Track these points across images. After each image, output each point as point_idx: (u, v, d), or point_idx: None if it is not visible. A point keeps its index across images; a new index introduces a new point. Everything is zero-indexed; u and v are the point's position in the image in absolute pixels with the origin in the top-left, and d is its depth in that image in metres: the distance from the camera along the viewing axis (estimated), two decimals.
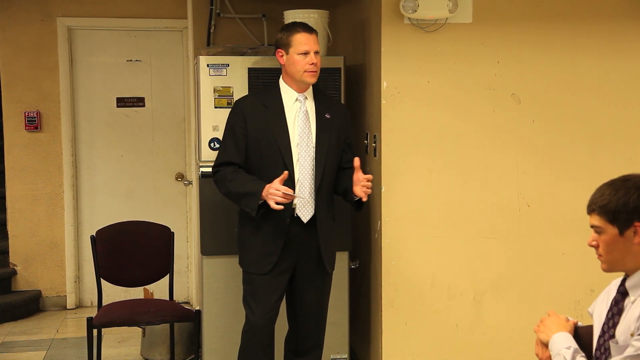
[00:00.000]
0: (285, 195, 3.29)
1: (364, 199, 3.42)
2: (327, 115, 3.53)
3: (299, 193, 3.43)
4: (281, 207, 3.29)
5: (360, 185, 3.37)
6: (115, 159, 6.01)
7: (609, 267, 2.22)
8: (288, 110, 3.50)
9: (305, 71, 3.44)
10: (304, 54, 3.43)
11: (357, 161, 3.38)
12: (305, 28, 3.47)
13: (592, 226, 2.22)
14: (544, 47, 3.93)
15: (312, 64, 3.42)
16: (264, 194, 3.34)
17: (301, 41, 3.43)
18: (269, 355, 3.59)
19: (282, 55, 3.50)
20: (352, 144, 3.67)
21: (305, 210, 3.46)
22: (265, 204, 3.37)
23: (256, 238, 3.51)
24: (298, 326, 3.66)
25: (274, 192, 3.28)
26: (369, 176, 3.39)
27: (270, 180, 3.38)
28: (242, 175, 3.45)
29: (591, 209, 2.21)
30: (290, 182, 3.42)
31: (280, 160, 3.43)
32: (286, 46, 3.47)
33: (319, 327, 3.67)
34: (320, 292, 3.61)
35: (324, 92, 3.73)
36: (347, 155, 3.61)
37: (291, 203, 3.41)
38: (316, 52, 3.45)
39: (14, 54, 5.81)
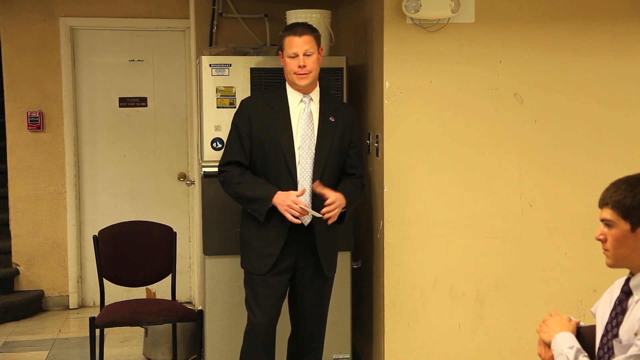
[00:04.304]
0: (301, 210, 3.34)
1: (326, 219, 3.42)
2: (331, 118, 3.52)
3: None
4: (298, 220, 3.36)
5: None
6: (117, 159, 6.01)
7: (615, 263, 2.22)
8: (293, 112, 3.50)
9: (295, 73, 3.44)
10: (292, 57, 3.43)
11: (315, 184, 3.39)
12: (295, 30, 3.45)
13: (602, 220, 2.21)
14: (547, 48, 3.93)
15: (300, 66, 3.41)
16: (275, 200, 3.36)
17: (290, 44, 3.44)
18: (270, 356, 3.59)
19: (282, 58, 3.51)
20: (359, 149, 3.65)
21: None
22: (272, 209, 3.39)
23: (257, 239, 3.51)
24: (298, 327, 3.67)
25: (292, 206, 3.33)
26: (329, 205, 3.36)
27: (275, 182, 3.39)
28: (250, 178, 3.45)
29: (604, 202, 2.20)
30: (292, 184, 3.42)
31: (283, 162, 3.43)
32: (281, 48, 3.50)
33: (319, 329, 3.67)
34: (320, 294, 3.61)
35: (332, 94, 3.73)
36: (352, 161, 3.59)
37: None
38: (307, 54, 3.42)
39: (16, 54, 5.82)
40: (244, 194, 3.44)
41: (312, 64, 3.43)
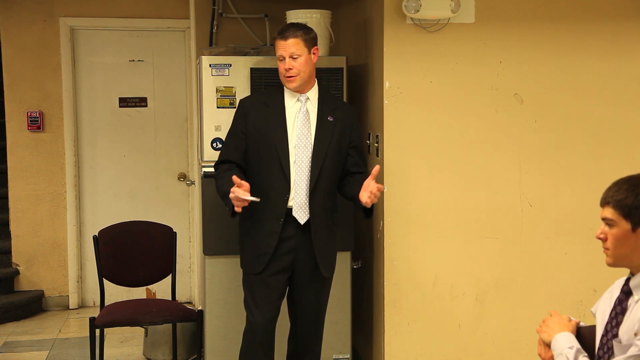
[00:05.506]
0: (238, 198, 3.27)
1: (367, 205, 3.35)
2: (329, 118, 3.51)
3: (295, 192, 3.42)
4: (239, 209, 3.30)
5: (368, 191, 3.31)
6: (117, 159, 6.01)
7: (615, 262, 2.22)
8: (289, 111, 3.50)
9: (283, 76, 3.45)
10: (280, 60, 3.44)
11: (375, 169, 3.34)
12: (282, 34, 3.45)
13: (603, 219, 2.21)
14: (547, 48, 3.93)
15: (287, 69, 3.42)
16: None
17: (277, 47, 3.45)
18: (269, 355, 3.59)
19: None
20: (360, 148, 3.64)
21: (301, 212, 3.45)
22: (264, 208, 3.40)
23: (250, 238, 3.52)
24: (297, 326, 3.67)
25: (232, 197, 3.29)
26: (380, 186, 3.32)
27: (267, 180, 3.40)
28: (229, 174, 3.42)
29: (606, 201, 2.21)
30: (285, 183, 3.42)
31: (277, 161, 3.43)
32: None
33: (317, 328, 3.67)
34: (317, 294, 3.60)
35: (332, 94, 3.72)
36: (353, 159, 3.58)
37: (286, 203, 3.42)
38: (293, 57, 3.41)
39: (16, 54, 5.82)
40: (222, 189, 3.44)
41: (299, 66, 3.42)
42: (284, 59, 3.42)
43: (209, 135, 3.99)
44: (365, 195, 3.31)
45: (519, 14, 3.90)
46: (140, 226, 4.47)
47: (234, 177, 3.28)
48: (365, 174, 3.56)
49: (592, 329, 2.34)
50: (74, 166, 5.93)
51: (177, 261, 4.41)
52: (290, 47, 3.41)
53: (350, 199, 3.54)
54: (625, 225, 2.16)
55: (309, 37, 3.46)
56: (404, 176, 3.89)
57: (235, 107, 3.76)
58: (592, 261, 3.90)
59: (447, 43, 3.85)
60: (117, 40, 5.95)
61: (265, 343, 3.56)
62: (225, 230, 3.95)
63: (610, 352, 2.18)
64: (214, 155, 3.91)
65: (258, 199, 3.31)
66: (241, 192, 3.26)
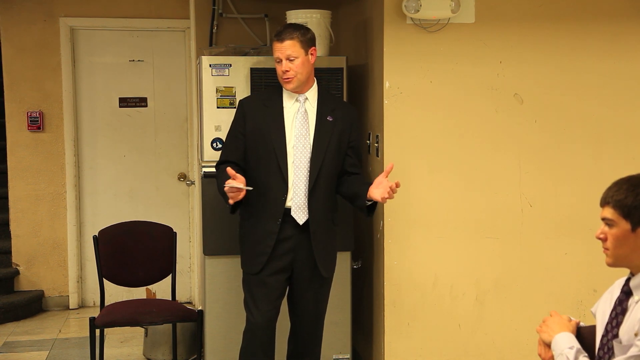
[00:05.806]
0: (232, 189, 3.27)
1: (383, 201, 3.33)
2: (329, 118, 3.51)
3: (294, 192, 3.42)
4: (232, 201, 3.30)
5: (387, 186, 3.27)
6: (117, 159, 6.01)
7: (614, 262, 2.22)
8: (287, 111, 3.50)
9: (281, 77, 3.45)
10: (278, 62, 3.45)
11: (389, 166, 3.34)
12: (279, 36, 3.45)
13: (603, 219, 2.22)
14: (547, 48, 3.93)
15: (284, 71, 3.42)
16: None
17: (274, 49, 3.46)
18: (269, 356, 3.59)
19: None
20: (357, 148, 3.64)
21: (300, 212, 3.45)
22: (262, 207, 3.42)
23: (249, 238, 3.53)
24: (296, 326, 3.67)
25: (226, 190, 3.29)
26: (397, 182, 3.29)
27: (266, 180, 3.41)
28: (227, 173, 3.44)
29: (606, 201, 2.21)
30: (282, 183, 3.43)
31: (274, 161, 3.43)
32: None
33: (316, 329, 3.67)
34: (317, 294, 3.60)
35: (332, 94, 3.72)
36: (351, 159, 3.58)
37: (284, 203, 3.42)
38: (290, 59, 3.40)
39: (16, 54, 5.82)
40: (220, 186, 3.44)
41: (296, 68, 3.42)
42: (281, 61, 3.42)
43: (209, 135, 3.99)
44: (380, 191, 3.29)
45: (519, 14, 3.90)
46: (140, 226, 4.47)
47: (228, 169, 3.29)
48: (361, 176, 3.57)
49: (592, 329, 2.34)
50: (74, 166, 5.93)
51: (177, 261, 4.41)
52: (286, 49, 3.41)
53: (349, 197, 3.54)
54: (624, 226, 2.16)
55: (305, 39, 3.45)
56: (404, 176, 3.89)
57: (235, 107, 3.76)
58: (592, 261, 3.90)
59: (447, 43, 3.85)
60: (117, 40, 5.95)
61: (265, 343, 3.56)
62: (225, 230, 3.95)
63: (610, 352, 2.18)
64: (214, 155, 3.92)
65: (251, 188, 3.31)
66: (235, 183, 3.26)
